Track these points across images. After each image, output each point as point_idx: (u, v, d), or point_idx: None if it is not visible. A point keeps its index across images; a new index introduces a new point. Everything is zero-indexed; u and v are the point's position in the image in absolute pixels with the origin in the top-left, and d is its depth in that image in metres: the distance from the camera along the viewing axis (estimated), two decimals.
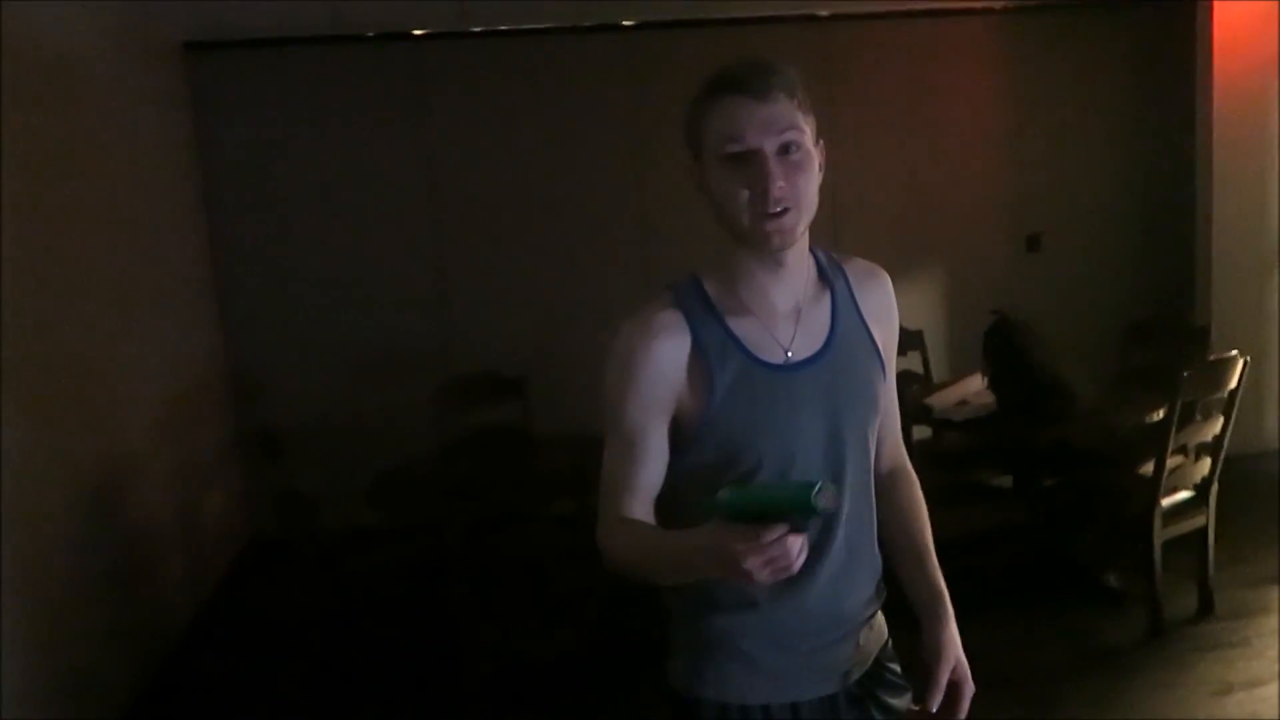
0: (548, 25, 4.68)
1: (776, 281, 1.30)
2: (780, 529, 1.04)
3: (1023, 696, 2.92)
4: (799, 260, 1.31)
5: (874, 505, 1.41)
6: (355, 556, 3.34)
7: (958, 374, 4.06)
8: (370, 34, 4.56)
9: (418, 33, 4.61)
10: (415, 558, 3.12)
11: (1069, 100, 5.20)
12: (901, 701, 1.44)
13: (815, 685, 1.36)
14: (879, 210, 4.88)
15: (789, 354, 1.30)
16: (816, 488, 1.03)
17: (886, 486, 1.46)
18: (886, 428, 1.43)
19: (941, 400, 3.67)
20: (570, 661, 2.78)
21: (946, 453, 3.98)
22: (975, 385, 3.70)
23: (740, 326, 1.29)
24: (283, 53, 4.50)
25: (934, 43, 5.05)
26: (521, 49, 4.70)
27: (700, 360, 1.27)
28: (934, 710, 1.35)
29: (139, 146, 3.81)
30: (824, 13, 4.84)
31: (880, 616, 1.46)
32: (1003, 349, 3.51)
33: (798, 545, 1.04)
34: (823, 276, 1.36)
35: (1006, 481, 3.84)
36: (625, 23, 4.75)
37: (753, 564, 1.03)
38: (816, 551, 1.28)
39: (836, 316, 1.34)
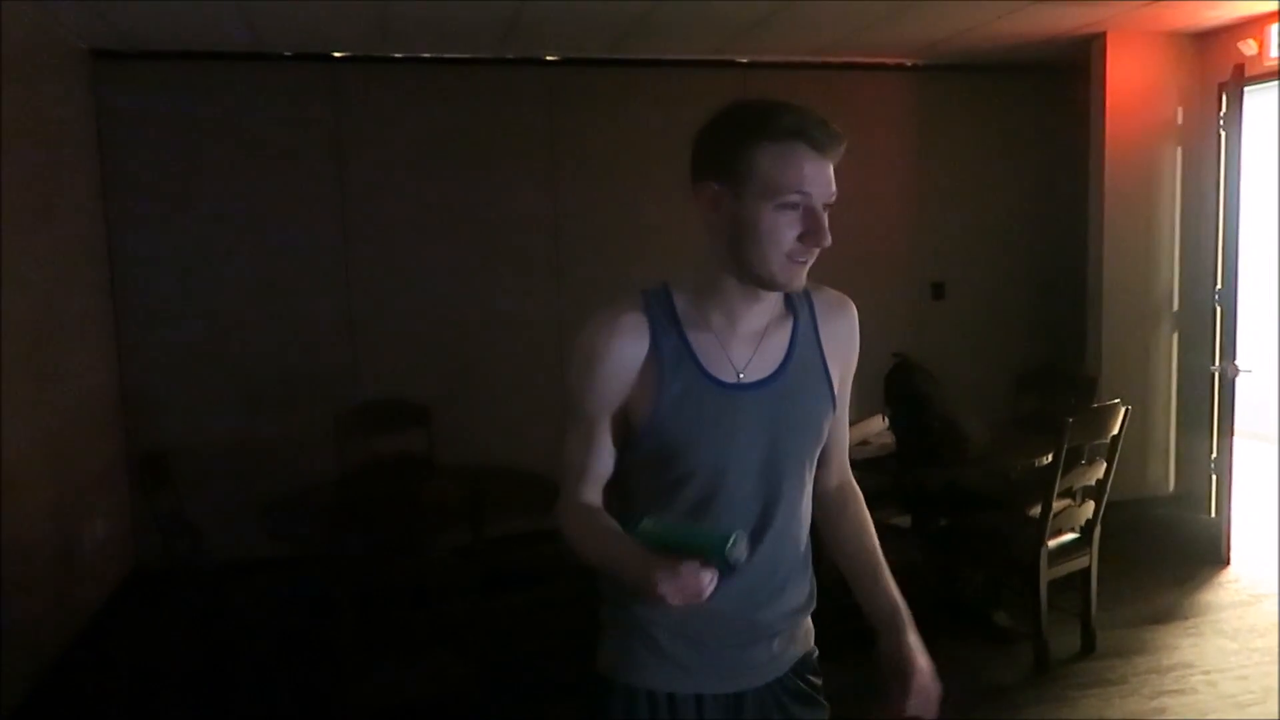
0: (469, 55, 4.69)
1: (749, 308, 1.36)
2: (693, 565, 1.15)
3: None
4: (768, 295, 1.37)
5: (805, 525, 1.45)
6: (242, 587, 3.22)
7: (861, 415, 4.15)
8: (288, 53, 4.51)
9: (337, 55, 4.58)
10: (304, 589, 3.02)
11: (973, 156, 5.45)
12: (811, 714, 1.48)
13: (721, 682, 1.42)
14: None
15: (740, 375, 1.35)
16: (731, 541, 1.15)
17: (836, 503, 1.53)
18: (835, 446, 1.50)
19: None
20: (462, 697, 2.72)
21: None
22: (877, 426, 3.78)
23: (698, 341, 1.35)
24: (196, 66, 4.41)
25: (848, 95, 5.22)
26: (441, 77, 4.70)
27: (654, 366, 1.33)
28: (910, 702, 1.40)
29: (39, 153, 3.67)
30: (743, 59, 4.97)
31: (807, 628, 1.50)
32: (902, 391, 3.60)
33: (708, 578, 1.15)
34: (789, 303, 1.41)
35: (905, 521, 3.92)
36: (548, 58, 4.80)
37: (665, 590, 1.15)
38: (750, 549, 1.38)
39: (794, 345, 1.39)
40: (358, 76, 4.62)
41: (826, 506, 1.50)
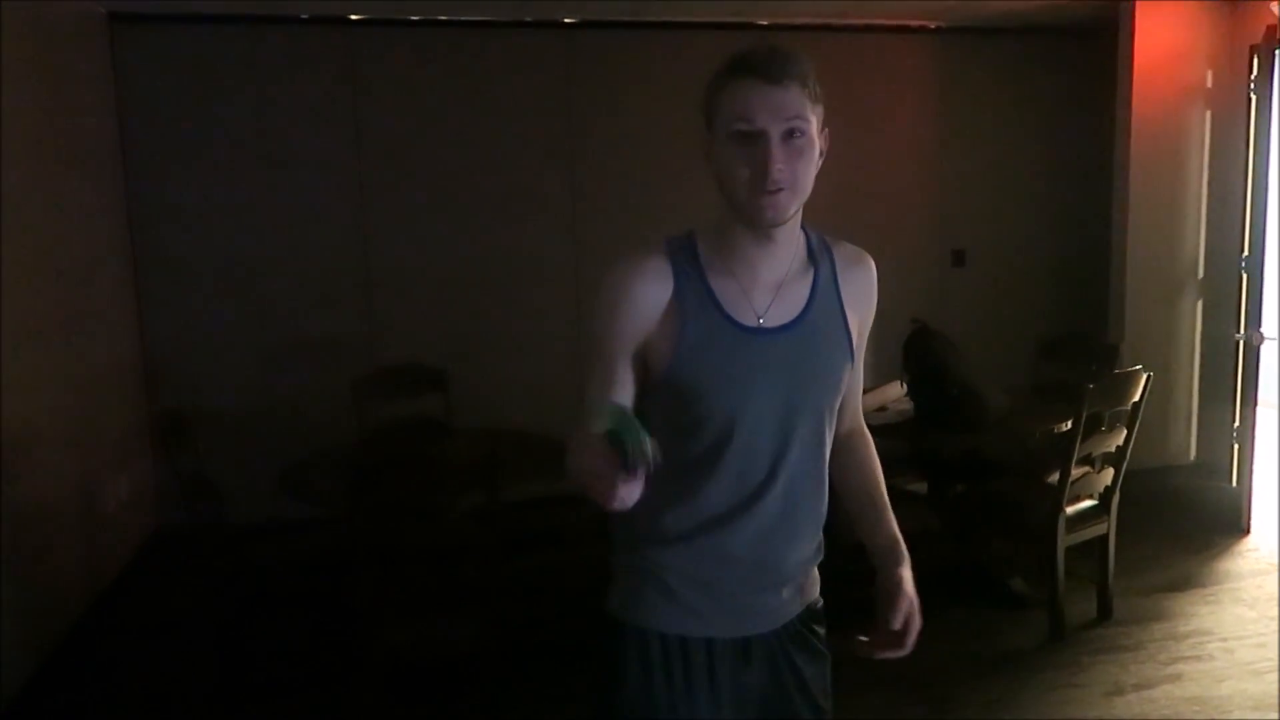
0: (487, 18, 4.65)
1: (763, 254, 1.36)
2: (610, 467, 1.10)
3: (926, 696, 2.98)
4: (788, 237, 1.37)
5: (823, 478, 1.46)
6: (263, 548, 3.26)
7: (879, 381, 4.13)
8: (304, 16, 4.48)
9: (353, 18, 4.55)
10: (323, 550, 3.06)
11: (997, 121, 5.36)
12: (815, 669, 1.50)
13: (732, 626, 1.44)
14: (809, 220, 4.95)
15: (760, 320, 1.36)
16: (644, 438, 1.09)
17: (846, 447, 1.55)
18: (849, 396, 1.52)
19: (862, 406, 3.72)
20: (478, 657, 2.75)
21: None
22: (895, 392, 3.77)
23: (720, 286, 1.36)
24: (212, 29, 4.40)
25: (870, 59, 5.15)
26: (458, 40, 4.67)
27: (677, 309, 1.34)
28: (895, 626, 1.46)
29: (57, 119, 3.68)
30: (763, 21, 4.90)
31: (814, 577, 1.53)
32: (921, 357, 3.58)
33: (618, 489, 1.10)
34: (811, 256, 1.42)
35: (922, 488, 3.92)
36: (565, 20, 4.75)
37: (581, 476, 1.15)
38: (744, 508, 1.39)
39: (815, 295, 1.40)
40: (374, 40, 4.59)
41: (836, 450, 1.51)
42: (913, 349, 3.59)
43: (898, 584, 1.47)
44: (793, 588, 1.48)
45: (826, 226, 1.48)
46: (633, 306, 1.34)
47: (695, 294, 1.35)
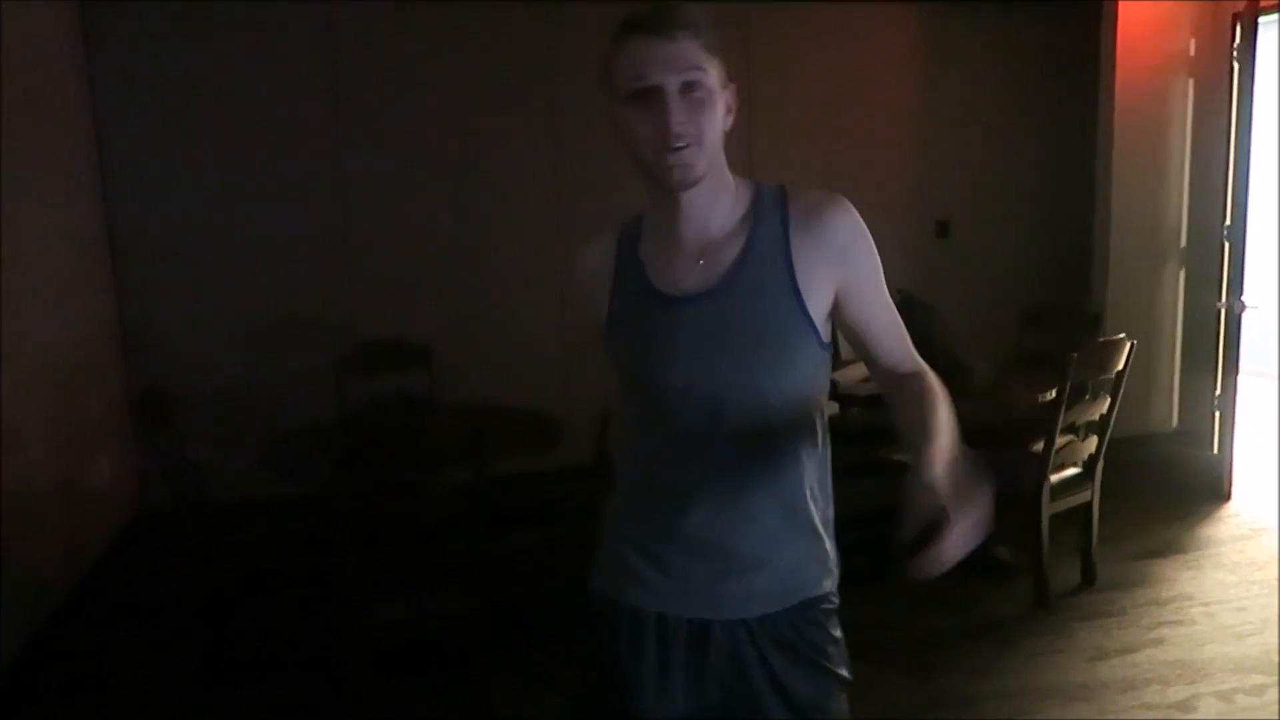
0: None
1: (683, 216, 1.31)
2: None
3: (912, 663, 3.00)
4: (710, 197, 1.30)
5: (795, 457, 1.34)
6: (246, 527, 3.24)
7: None
8: None
9: None
10: (307, 528, 3.03)
11: (980, 92, 5.34)
12: (800, 674, 1.38)
13: (684, 605, 1.37)
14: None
15: (682, 287, 1.31)
16: None
17: (894, 385, 1.38)
18: (874, 344, 1.38)
19: (848, 377, 3.71)
20: (463, 634, 2.74)
21: (851, 428, 4.04)
22: None
23: (649, 254, 1.35)
24: (188, 1, 4.30)
25: (854, 30, 5.11)
26: (437, 13, 4.59)
27: (613, 282, 1.37)
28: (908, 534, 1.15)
29: (30, 90, 3.60)
30: None
31: (806, 573, 1.38)
32: (906, 328, 3.57)
33: None
34: (755, 213, 1.32)
35: (908, 457, 3.92)
36: None
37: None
38: (690, 483, 1.33)
39: (747, 256, 1.30)
40: (352, 12, 4.51)
41: (887, 389, 1.40)
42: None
43: (917, 475, 1.14)
44: (765, 578, 1.35)
45: None
46: (578, 288, 1.41)
47: (627, 265, 1.36)
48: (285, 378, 4.45)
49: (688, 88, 1.22)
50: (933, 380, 1.35)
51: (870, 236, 1.34)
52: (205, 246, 4.48)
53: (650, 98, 1.21)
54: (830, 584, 1.42)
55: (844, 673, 1.44)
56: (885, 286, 1.38)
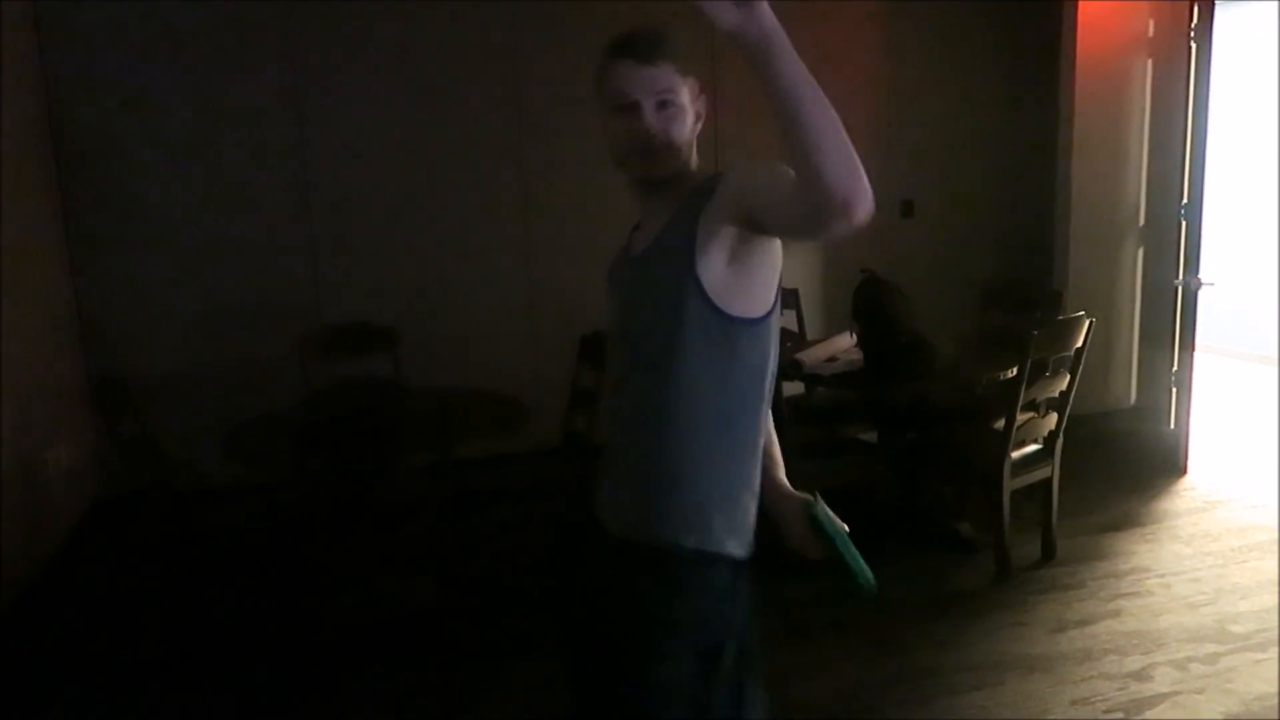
0: None
1: (649, 200, 1.55)
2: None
3: (877, 637, 3.04)
4: (674, 186, 1.51)
5: (676, 412, 1.45)
6: (210, 514, 3.21)
7: (829, 331, 4.16)
8: None
9: None
10: (273, 512, 3.01)
11: (943, 73, 5.37)
12: (622, 614, 1.51)
13: (599, 508, 1.59)
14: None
15: (631, 255, 1.57)
16: (865, 582, 1.47)
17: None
18: (782, 189, 1.25)
19: (812, 356, 3.75)
20: (431, 616, 2.74)
21: (816, 407, 4.08)
22: (845, 343, 3.79)
23: (635, 232, 1.61)
24: None
25: (815, 10, 5.10)
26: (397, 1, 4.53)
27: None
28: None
29: None
30: None
31: (659, 511, 1.47)
32: (870, 307, 3.60)
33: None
34: (693, 193, 1.48)
35: (872, 436, 3.97)
36: None
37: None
38: (613, 416, 1.59)
39: (672, 219, 1.48)
40: (313, 5, 4.43)
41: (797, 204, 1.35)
42: (862, 299, 3.61)
43: (777, 489, 1.64)
44: (626, 493, 1.53)
45: None
46: None
47: (627, 240, 1.63)
48: (248, 362, 4.39)
49: (662, 104, 1.47)
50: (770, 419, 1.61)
51: (761, 162, 1.36)
52: (165, 231, 4.40)
53: (631, 110, 1.47)
54: (694, 542, 1.46)
55: (665, 639, 1.46)
56: (772, 168, 1.32)
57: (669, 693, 1.46)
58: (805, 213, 1.20)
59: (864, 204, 1.15)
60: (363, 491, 2.69)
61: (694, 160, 1.52)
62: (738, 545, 1.50)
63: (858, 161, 1.17)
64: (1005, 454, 3.33)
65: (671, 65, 1.47)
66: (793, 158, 1.18)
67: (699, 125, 1.52)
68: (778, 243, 1.43)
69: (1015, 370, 3.28)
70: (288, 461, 2.92)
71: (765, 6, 1.21)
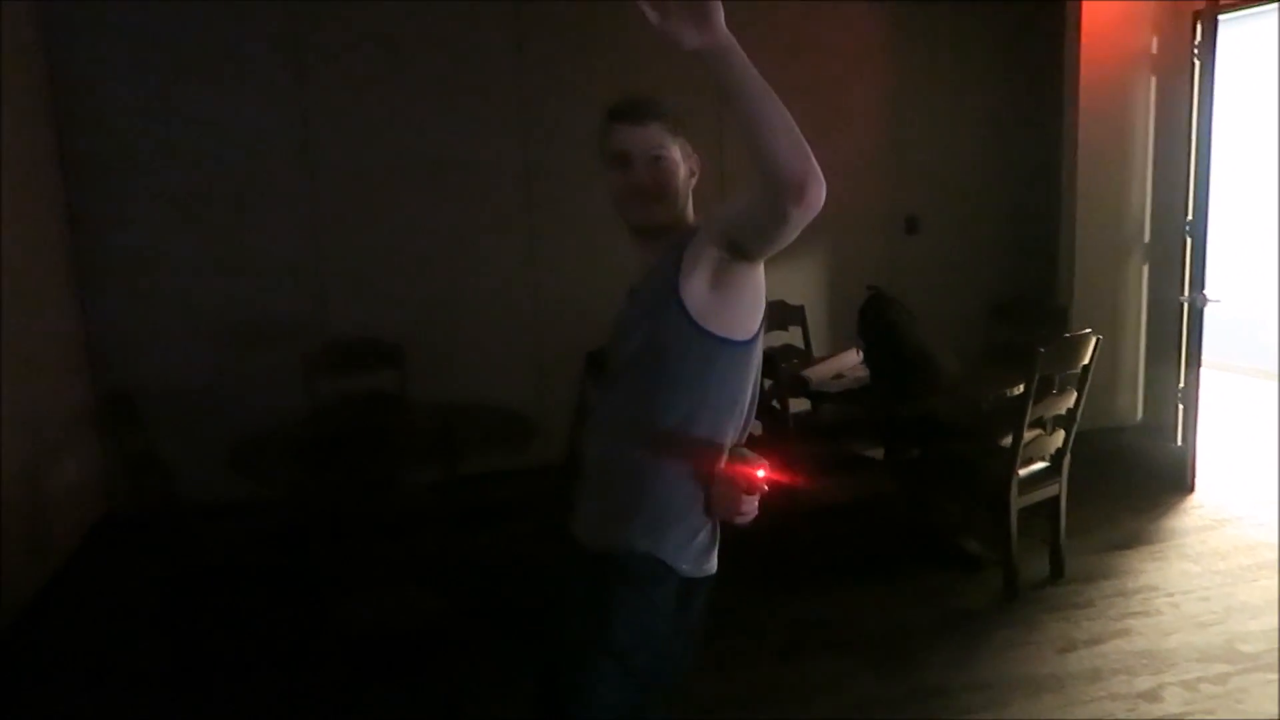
0: None
1: (646, 247, 1.66)
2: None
3: (883, 656, 3.02)
4: (666, 233, 1.63)
5: (638, 441, 1.58)
6: (215, 528, 3.21)
7: (836, 348, 4.16)
8: None
9: None
10: (278, 528, 3.01)
11: (947, 89, 5.38)
12: (565, 629, 1.64)
13: (573, 522, 1.69)
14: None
15: (630, 292, 1.68)
16: None
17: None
18: (720, 212, 1.51)
19: (819, 373, 3.74)
20: (436, 630, 2.73)
21: (822, 424, 4.07)
22: (851, 359, 3.79)
23: (639, 275, 1.68)
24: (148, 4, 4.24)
25: (822, 26, 5.12)
26: (404, 7, 4.56)
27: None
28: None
29: None
30: None
31: (620, 525, 1.59)
32: (876, 323, 3.60)
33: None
34: (683, 236, 1.59)
35: (878, 452, 3.96)
36: None
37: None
38: (593, 421, 1.69)
39: (661, 260, 1.59)
40: (315, 7, 4.46)
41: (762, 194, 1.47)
42: (868, 315, 3.61)
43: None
44: (594, 505, 1.65)
45: None
46: None
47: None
48: (254, 378, 4.39)
49: (654, 159, 1.62)
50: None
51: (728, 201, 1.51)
52: (172, 246, 4.42)
53: (625, 163, 1.63)
54: (645, 548, 1.58)
55: (593, 631, 1.58)
56: (742, 194, 1.45)
57: (576, 680, 1.59)
58: (766, 205, 1.34)
59: (816, 185, 1.31)
60: (368, 507, 2.69)
61: (690, 213, 1.66)
62: (688, 563, 1.60)
63: (807, 148, 1.32)
64: (1012, 471, 3.32)
65: (661, 125, 1.63)
66: (751, 149, 1.32)
67: (693, 180, 1.67)
68: (760, 269, 1.53)
69: (1022, 387, 3.27)
70: (293, 477, 2.91)
71: (721, 24, 1.33)
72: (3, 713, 2.94)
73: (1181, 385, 4.75)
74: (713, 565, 1.64)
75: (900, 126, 5.34)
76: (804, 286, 4.98)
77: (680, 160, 1.65)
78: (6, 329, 3.55)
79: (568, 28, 4.76)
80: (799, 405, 3.84)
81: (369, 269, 4.64)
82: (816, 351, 4.40)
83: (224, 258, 4.47)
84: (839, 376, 3.70)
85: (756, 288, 1.55)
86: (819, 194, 1.31)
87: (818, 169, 1.30)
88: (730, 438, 1.60)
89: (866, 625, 3.21)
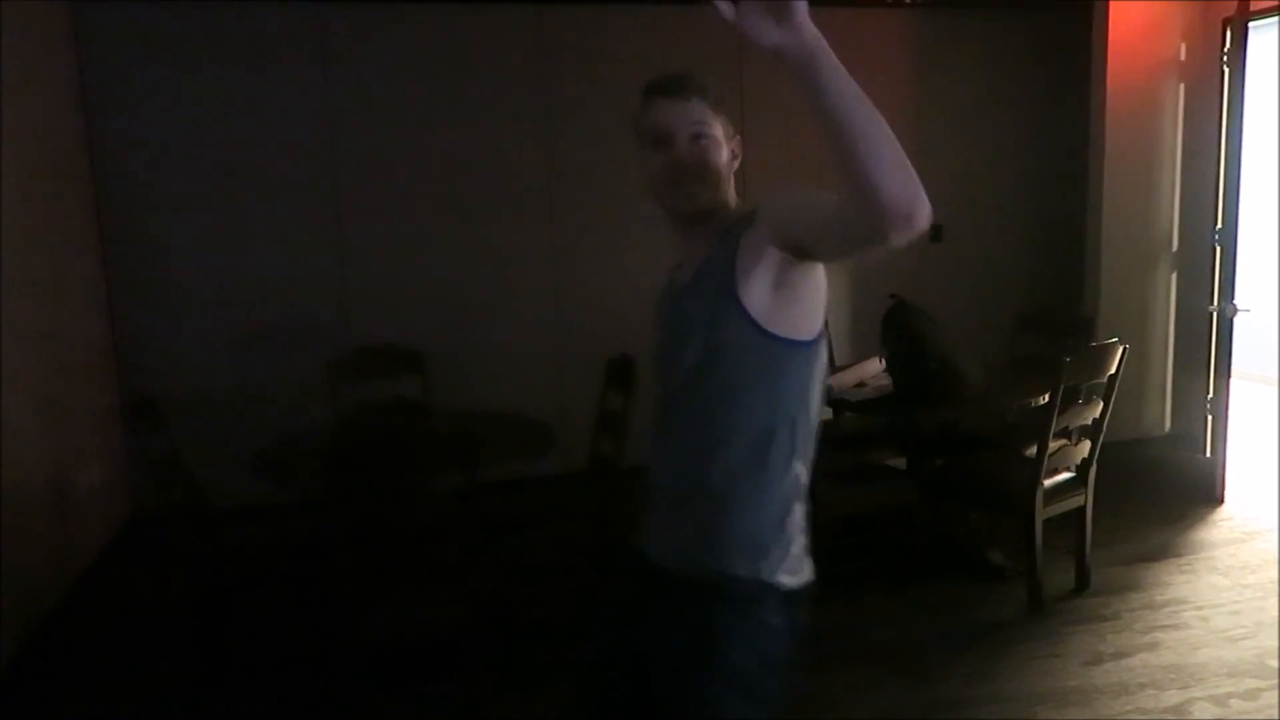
0: None
1: (688, 233, 1.56)
2: None
3: (907, 667, 3.00)
4: (710, 219, 1.53)
5: (709, 443, 1.46)
6: (240, 532, 3.23)
7: (858, 356, 4.14)
8: None
9: None
10: (302, 534, 3.02)
11: (973, 97, 5.35)
12: (664, 663, 1.46)
13: (644, 541, 1.58)
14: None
15: (674, 288, 1.57)
16: None
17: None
18: (803, 214, 1.33)
19: (841, 382, 3.72)
20: (458, 639, 2.73)
21: (845, 433, 4.04)
22: (873, 368, 3.77)
23: (678, 269, 1.59)
24: (179, 6, 4.29)
25: (846, 34, 5.08)
26: (429, 13, 4.59)
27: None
28: None
29: (19, 95, 3.59)
30: None
31: (710, 548, 1.46)
32: (899, 332, 3.57)
33: None
34: (730, 227, 1.47)
35: (901, 462, 3.93)
36: None
37: None
38: (657, 442, 1.56)
39: (711, 255, 1.47)
40: (344, 17, 4.51)
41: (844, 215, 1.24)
42: (891, 324, 3.59)
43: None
44: (674, 524, 1.52)
45: None
46: None
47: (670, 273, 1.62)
48: (278, 384, 4.44)
49: (695, 138, 1.50)
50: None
51: (795, 187, 1.41)
52: (198, 252, 4.47)
53: (666, 143, 1.51)
54: (747, 572, 1.45)
55: (722, 686, 1.44)
56: (811, 195, 1.32)
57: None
58: (862, 230, 1.15)
59: (923, 209, 1.11)
60: (390, 513, 2.69)
61: (732, 196, 1.55)
62: (789, 575, 1.47)
63: (913, 170, 1.12)
64: (1037, 482, 3.29)
65: (702, 101, 1.52)
66: (844, 173, 1.12)
67: (735, 163, 1.56)
68: (820, 267, 1.42)
69: (1047, 397, 3.24)
70: (316, 482, 2.92)
71: (807, 21, 1.15)
72: (29, 715, 2.97)
73: (1210, 395, 4.69)
74: (810, 571, 1.51)
75: (925, 134, 5.30)
76: (827, 295, 4.97)
77: (723, 140, 1.53)
78: (37, 333, 3.60)
79: (588, 34, 4.78)
80: (820, 414, 3.82)
81: (393, 275, 4.68)
82: (839, 360, 4.37)
83: (249, 263, 4.52)
84: (861, 385, 3.68)
85: (818, 283, 1.43)
86: (926, 217, 1.11)
87: (922, 190, 1.11)
88: (810, 436, 1.47)
89: (889, 636, 3.18)
